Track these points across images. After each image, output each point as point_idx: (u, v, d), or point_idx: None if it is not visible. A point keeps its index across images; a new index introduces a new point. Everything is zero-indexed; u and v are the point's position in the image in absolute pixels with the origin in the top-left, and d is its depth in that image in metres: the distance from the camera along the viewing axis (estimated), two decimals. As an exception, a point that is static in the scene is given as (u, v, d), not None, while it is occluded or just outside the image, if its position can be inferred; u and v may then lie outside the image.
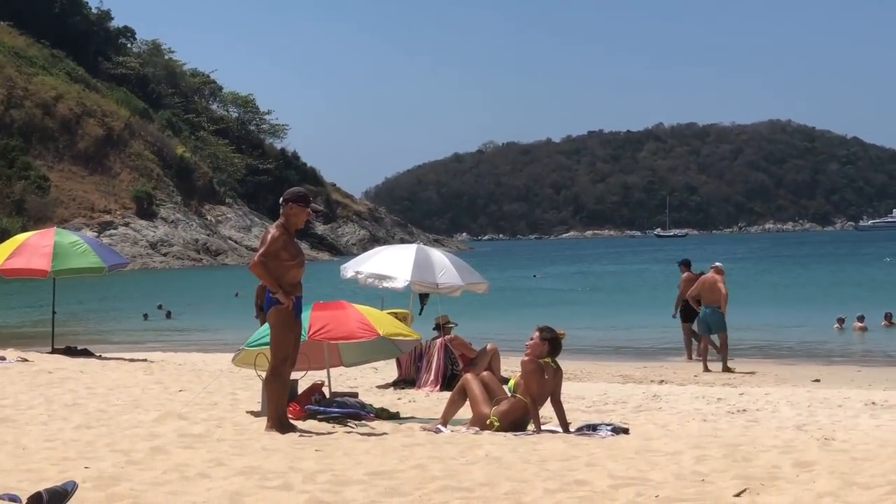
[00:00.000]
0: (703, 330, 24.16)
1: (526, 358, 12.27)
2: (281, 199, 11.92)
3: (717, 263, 24.89)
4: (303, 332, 12.99)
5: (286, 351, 11.66)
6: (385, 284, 20.50)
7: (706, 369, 23.48)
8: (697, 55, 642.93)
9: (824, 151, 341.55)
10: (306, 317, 13.45)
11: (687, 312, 25.79)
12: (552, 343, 12.23)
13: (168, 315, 45.27)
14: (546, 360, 12.15)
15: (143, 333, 37.93)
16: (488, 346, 19.30)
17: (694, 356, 25.58)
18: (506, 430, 11.82)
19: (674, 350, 27.56)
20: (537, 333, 12.29)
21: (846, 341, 30.62)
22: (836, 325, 34.51)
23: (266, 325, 12.31)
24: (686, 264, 27.13)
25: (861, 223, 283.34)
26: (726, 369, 23.38)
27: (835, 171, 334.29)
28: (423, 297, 22.62)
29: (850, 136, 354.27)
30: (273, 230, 11.73)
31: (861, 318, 34.38)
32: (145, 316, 45.29)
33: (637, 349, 28.32)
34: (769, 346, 28.23)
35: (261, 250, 11.58)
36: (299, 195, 12.00)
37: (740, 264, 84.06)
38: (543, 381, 12.05)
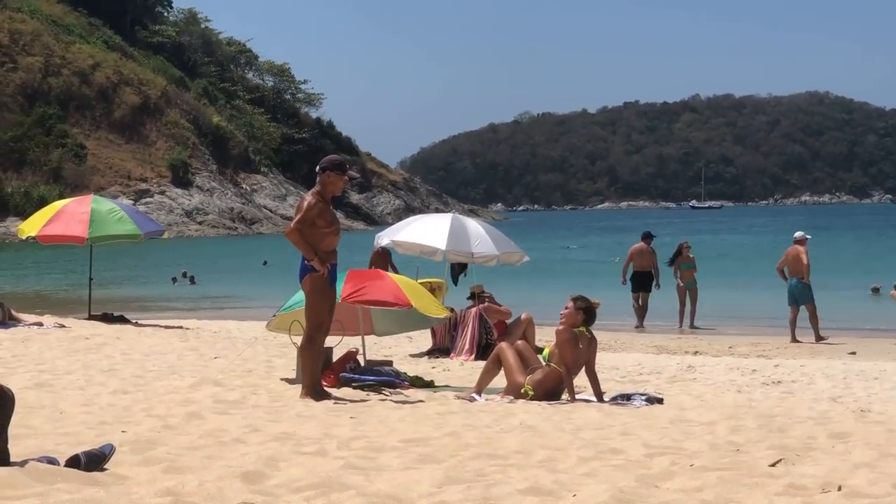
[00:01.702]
0: (791, 301, 24.20)
1: (560, 327, 12.27)
2: (317, 167, 11.91)
3: (800, 233, 24.88)
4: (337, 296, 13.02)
5: (321, 318, 11.68)
6: (421, 252, 20.52)
7: (794, 339, 23.60)
8: (735, 25, 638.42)
9: (862, 123, 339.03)
10: (340, 284, 13.47)
11: (637, 282, 27.36)
12: (587, 312, 12.22)
13: (192, 281, 45.78)
14: (581, 329, 12.15)
15: (175, 301, 38.15)
16: (523, 316, 19.29)
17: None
18: (540, 399, 11.84)
19: (707, 321, 27.50)
20: (571, 303, 12.28)
21: (883, 310, 30.44)
22: (871, 292, 34.51)
23: (300, 292, 12.33)
24: (648, 237, 28.28)
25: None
26: (819, 339, 23.52)
27: (873, 144, 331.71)
28: (461, 269, 22.63)
29: (889, 108, 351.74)
30: (309, 197, 11.73)
31: (898, 287, 34.34)
32: (174, 279, 46.13)
33: (672, 319, 28.20)
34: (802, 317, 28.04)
35: (297, 217, 11.59)
36: (336, 163, 11.99)
37: (772, 236, 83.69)
38: (578, 351, 12.05)
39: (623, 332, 25.49)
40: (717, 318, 28.51)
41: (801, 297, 23.93)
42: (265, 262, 56.77)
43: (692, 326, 26.85)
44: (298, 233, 11.48)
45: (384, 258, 22.20)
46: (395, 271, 20.87)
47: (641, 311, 27.46)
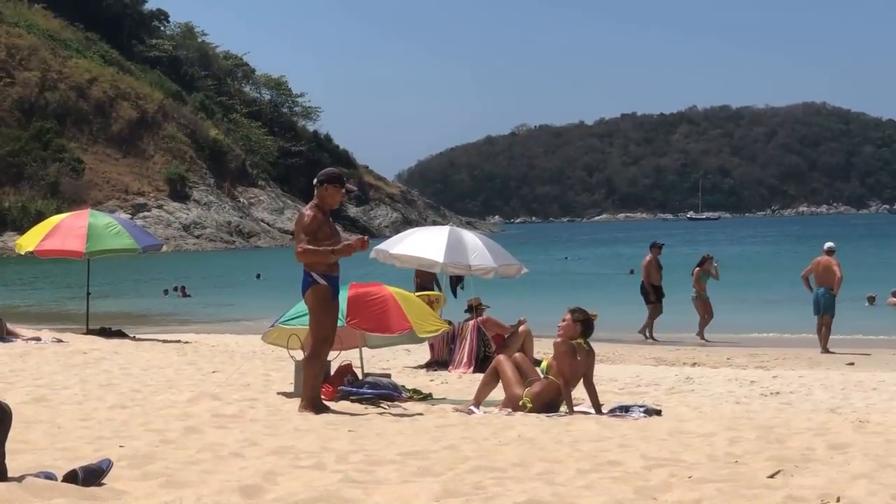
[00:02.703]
0: (816, 310, 24.24)
1: (558, 339, 12.27)
2: (315, 179, 11.91)
3: (830, 244, 24.94)
4: (341, 318, 13.05)
5: (325, 332, 11.68)
6: (419, 266, 20.51)
7: (824, 350, 23.81)
8: (732, 36, 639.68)
9: (859, 134, 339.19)
10: (343, 298, 13.49)
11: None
12: (585, 324, 12.22)
13: (183, 292, 46.06)
14: (578, 341, 12.14)
15: (169, 315, 38.22)
16: (521, 328, 19.29)
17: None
18: (538, 412, 11.83)
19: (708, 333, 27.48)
20: (569, 315, 12.28)
21: (880, 319, 30.45)
22: (866, 302, 34.59)
23: (300, 304, 12.32)
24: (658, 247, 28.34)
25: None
26: (826, 350, 23.60)
27: (870, 154, 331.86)
28: (458, 281, 22.59)
29: (886, 119, 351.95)
30: (308, 211, 11.74)
31: (896, 294, 34.55)
32: (165, 292, 46.27)
33: (672, 331, 28.21)
34: (801, 327, 28.04)
35: (300, 237, 11.56)
36: (334, 176, 12.00)
37: (769, 247, 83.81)
38: (576, 363, 12.04)
39: (621, 344, 25.48)
40: (718, 331, 28.53)
41: (826, 307, 24.01)
42: (258, 276, 56.93)
43: (702, 337, 26.76)
44: (307, 253, 11.46)
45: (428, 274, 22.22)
46: (439, 287, 21.01)
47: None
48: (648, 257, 27.86)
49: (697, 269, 27.29)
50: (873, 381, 16.91)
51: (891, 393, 15.35)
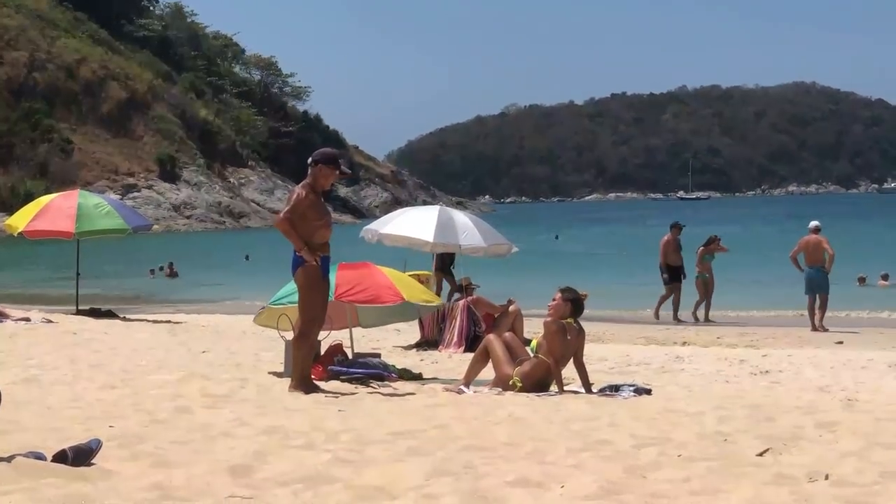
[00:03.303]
0: (808, 290, 24.19)
1: (548, 319, 12.27)
2: (309, 159, 11.86)
3: (815, 223, 24.89)
4: (329, 293, 13.04)
5: (314, 312, 11.67)
6: (409, 245, 20.53)
7: (816, 328, 23.82)
8: (721, 16, 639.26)
9: (849, 113, 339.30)
10: (332, 277, 13.49)
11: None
12: (574, 304, 12.22)
13: (171, 269, 46.17)
14: (568, 320, 12.15)
15: (158, 295, 38.27)
16: (511, 308, 19.30)
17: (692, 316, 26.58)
18: (528, 391, 11.83)
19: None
20: (559, 294, 12.28)
21: (867, 299, 30.50)
22: (858, 283, 34.66)
23: (290, 284, 12.32)
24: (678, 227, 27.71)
25: (885, 186, 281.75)
26: (820, 327, 23.71)
27: (859, 134, 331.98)
28: (451, 259, 22.59)
29: (875, 98, 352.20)
30: (300, 189, 11.71)
31: (885, 276, 34.59)
32: (151, 272, 46.19)
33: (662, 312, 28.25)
34: (791, 306, 28.10)
35: (287, 207, 11.57)
36: (329, 156, 11.96)
37: (761, 226, 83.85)
38: (566, 342, 12.04)
39: (611, 324, 25.50)
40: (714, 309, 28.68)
41: (821, 286, 23.98)
42: (247, 257, 56.93)
43: (706, 319, 26.51)
44: (288, 222, 11.46)
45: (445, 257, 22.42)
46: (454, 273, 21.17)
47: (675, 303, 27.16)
48: (667, 237, 27.33)
49: (701, 248, 27.05)
50: (862, 359, 16.94)
51: (879, 371, 15.39)
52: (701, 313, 26.66)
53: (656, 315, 26.82)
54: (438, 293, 23.49)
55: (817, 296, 24.04)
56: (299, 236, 11.46)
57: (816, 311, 24.06)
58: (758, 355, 17.91)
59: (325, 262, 11.71)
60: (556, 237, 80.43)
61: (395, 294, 14.15)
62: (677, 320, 26.45)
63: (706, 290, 26.67)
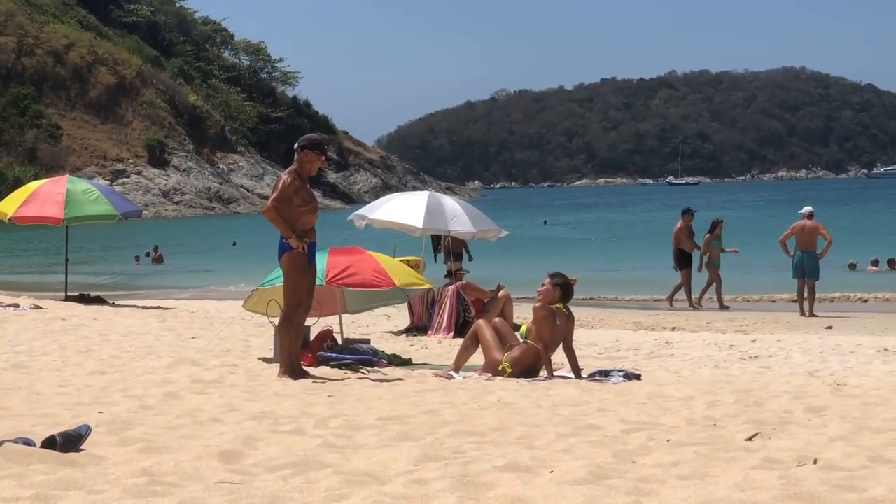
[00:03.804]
0: (798, 274, 24.12)
1: (538, 304, 12.28)
2: (296, 144, 11.88)
3: (808, 208, 24.80)
4: (320, 277, 13.05)
5: (299, 297, 11.68)
6: (397, 229, 20.55)
7: (804, 313, 23.75)
8: (711, 1, 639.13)
9: (838, 98, 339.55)
10: (323, 261, 13.50)
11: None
12: (563, 289, 12.22)
13: (155, 252, 46.10)
14: (558, 305, 12.15)
15: (143, 280, 38.27)
16: (500, 293, 19.30)
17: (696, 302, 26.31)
18: (518, 376, 11.85)
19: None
20: (548, 279, 12.28)
21: (857, 284, 30.55)
22: (848, 268, 34.71)
23: (278, 268, 12.33)
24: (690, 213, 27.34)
25: (874, 170, 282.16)
26: (812, 315, 23.54)
27: (849, 119, 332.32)
28: (438, 244, 22.60)
29: (865, 83, 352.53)
30: (285, 176, 11.72)
31: (875, 262, 34.63)
32: (136, 258, 46.10)
33: (652, 294, 28.30)
34: (779, 289, 28.15)
35: (273, 195, 11.59)
36: (315, 142, 11.97)
37: (752, 211, 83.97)
38: (555, 327, 12.05)
39: (601, 309, 25.54)
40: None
41: (811, 270, 23.92)
42: (234, 244, 56.89)
43: (722, 306, 26.01)
44: (275, 211, 11.47)
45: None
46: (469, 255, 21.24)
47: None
48: (679, 224, 26.93)
49: (708, 235, 26.70)
50: (851, 344, 16.97)
51: (868, 356, 15.41)
52: (700, 299, 26.36)
53: (670, 302, 26.53)
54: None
55: (812, 281, 24.00)
56: (287, 223, 11.47)
57: (805, 297, 24.04)
58: (747, 340, 17.94)
59: (312, 247, 11.72)
60: (545, 222, 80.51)
61: (386, 279, 14.14)
62: (693, 306, 26.07)
63: (715, 275, 26.38)
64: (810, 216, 24.34)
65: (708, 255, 26.43)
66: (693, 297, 26.44)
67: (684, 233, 26.80)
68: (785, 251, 24.60)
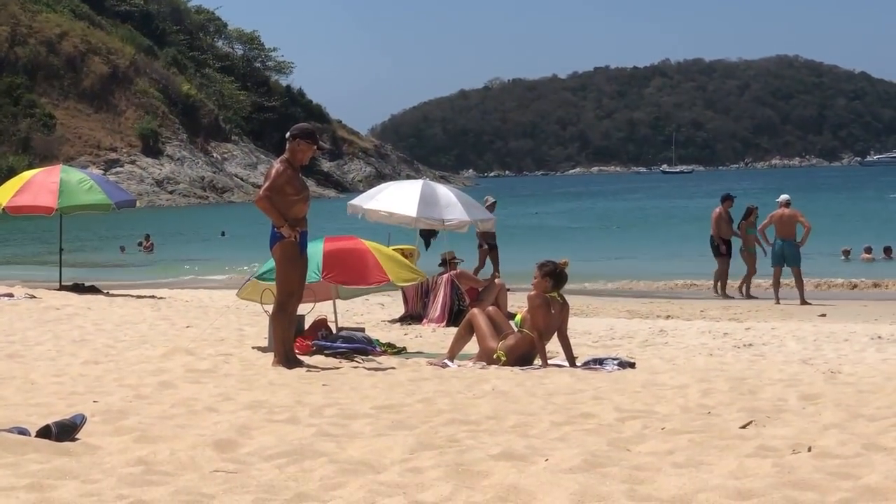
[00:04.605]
0: (778, 262, 24.01)
1: (532, 293, 12.28)
2: (287, 133, 11.86)
3: (786, 196, 24.71)
4: (316, 272, 13.06)
5: (292, 286, 11.68)
6: (392, 221, 20.54)
7: (779, 300, 23.67)
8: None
9: (832, 87, 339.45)
10: (318, 252, 13.50)
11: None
12: (554, 276, 12.21)
13: (147, 241, 46.28)
14: (552, 294, 12.15)
15: (130, 269, 38.27)
16: (495, 282, 19.31)
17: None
18: (512, 365, 11.86)
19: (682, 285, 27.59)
20: (537, 271, 12.29)
21: (852, 273, 30.58)
22: (842, 256, 34.70)
23: (272, 259, 12.32)
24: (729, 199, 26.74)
25: (867, 158, 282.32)
26: (804, 303, 23.49)
27: (842, 107, 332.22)
28: (431, 234, 22.62)
29: (858, 71, 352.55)
30: (277, 165, 11.71)
31: (868, 249, 34.62)
32: (122, 248, 46.06)
33: (648, 282, 28.33)
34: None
35: (265, 185, 11.57)
36: (307, 132, 11.95)
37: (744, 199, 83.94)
38: (549, 316, 12.06)
39: (595, 297, 25.55)
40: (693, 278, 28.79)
41: (792, 258, 23.86)
42: (223, 233, 56.86)
43: (748, 295, 25.54)
44: (267, 200, 11.46)
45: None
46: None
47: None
48: (718, 210, 26.31)
49: (743, 221, 26.29)
50: (845, 332, 17.00)
51: (862, 344, 15.44)
52: (742, 288, 25.90)
53: (717, 291, 26.03)
54: (479, 268, 24.13)
55: (791, 269, 23.98)
56: (279, 212, 11.45)
57: (788, 285, 24.02)
58: (741, 328, 17.97)
59: (304, 237, 11.70)
60: (536, 213, 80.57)
61: (381, 274, 14.15)
62: (725, 295, 25.61)
63: (752, 263, 25.89)
64: (787, 204, 24.30)
65: (743, 242, 25.95)
66: (732, 283, 25.99)
67: (723, 219, 26.29)
68: (764, 240, 24.60)
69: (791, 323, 19.25)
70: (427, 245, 22.92)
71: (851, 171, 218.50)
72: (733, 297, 25.43)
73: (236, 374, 10.85)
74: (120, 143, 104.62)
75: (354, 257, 14.20)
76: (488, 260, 25.68)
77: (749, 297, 25.51)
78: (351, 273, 13.96)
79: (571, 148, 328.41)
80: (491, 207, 25.11)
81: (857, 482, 5.84)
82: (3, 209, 23.92)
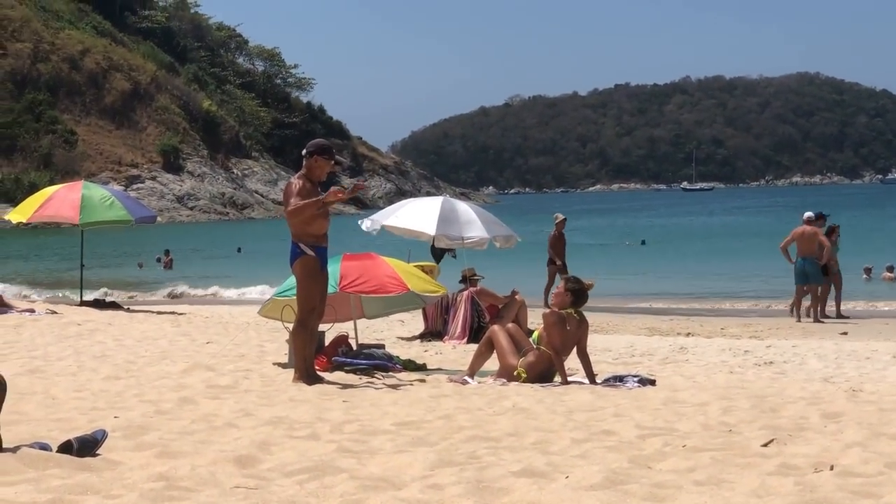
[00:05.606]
0: (801, 280, 23.80)
1: (547, 310, 12.28)
2: (304, 150, 11.88)
3: (809, 213, 24.53)
4: (333, 284, 13.04)
5: (312, 302, 11.68)
6: (411, 236, 20.53)
7: (799, 318, 23.55)
8: (726, 6, 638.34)
9: (853, 104, 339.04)
10: (336, 268, 13.49)
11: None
12: (575, 294, 12.18)
13: (165, 261, 46.22)
14: (569, 311, 12.13)
15: (152, 286, 38.25)
16: (515, 298, 19.29)
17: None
18: (532, 382, 11.83)
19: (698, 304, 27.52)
20: (562, 284, 12.30)
21: (875, 291, 30.45)
22: (864, 275, 34.49)
23: (292, 276, 12.32)
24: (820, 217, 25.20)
25: (889, 176, 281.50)
26: (818, 320, 23.38)
27: (863, 124, 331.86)
28: (442, 253, 22.56)
29: (880, 89, 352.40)
30: (295, 180, 11.71)
31: (891, 269, 34.43)
32: (140, 265, 46.08)
33: (670, 301, 28.27)
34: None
35: (290, 200, 11.51)
36: (323, 147, 11.97)
37: (765, 217, 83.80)
38: (565, 333, 12.02)
39: (615, 314, 25.50)
40: (715, 299, 28.69)
41: (814, 277, 23.67)
42: (239, 250, 56.88)
43: (838, 316, 24.51)
44: (298, 209, 11.36)
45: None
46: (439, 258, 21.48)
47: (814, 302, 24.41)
48: (811, 229, 24.24)
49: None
50: (866, 350, 16.93)
51: (884, 362, 15.38)
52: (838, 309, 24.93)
53: (816, 315, 24.10)
54: (549, 286, 24.22)
55: (816, 287, 23.80)
56: (308, 201, 11.40)
57: (810, 303, 23.83)
58: (762, 346, 17.91)
59: (324, 253, 11.70)
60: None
61: (399, 284, 14.13)
62: (819, 320, 23.85)
63: (838, 283, 24.92)
64: (809, 221, 24.14)
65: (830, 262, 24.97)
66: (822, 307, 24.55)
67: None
68: (786, 257, 24.37)
69: (812, 341, 19.18)
70: (438, 259, 22.87)
71: (873, 189, 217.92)
72: (825, 320, 24.02)
73: (257, 390, 10.85)
74: (141, 159, 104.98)
75: (372, 269, 14.20)
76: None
77: (840, 316, 24.59)
78: (368, 283, 13.92)
79: (591, 165, 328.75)
80: (561, 224, 27.34)
81: (879, 501, 5.82)
82: (26, 223, 24.02)
